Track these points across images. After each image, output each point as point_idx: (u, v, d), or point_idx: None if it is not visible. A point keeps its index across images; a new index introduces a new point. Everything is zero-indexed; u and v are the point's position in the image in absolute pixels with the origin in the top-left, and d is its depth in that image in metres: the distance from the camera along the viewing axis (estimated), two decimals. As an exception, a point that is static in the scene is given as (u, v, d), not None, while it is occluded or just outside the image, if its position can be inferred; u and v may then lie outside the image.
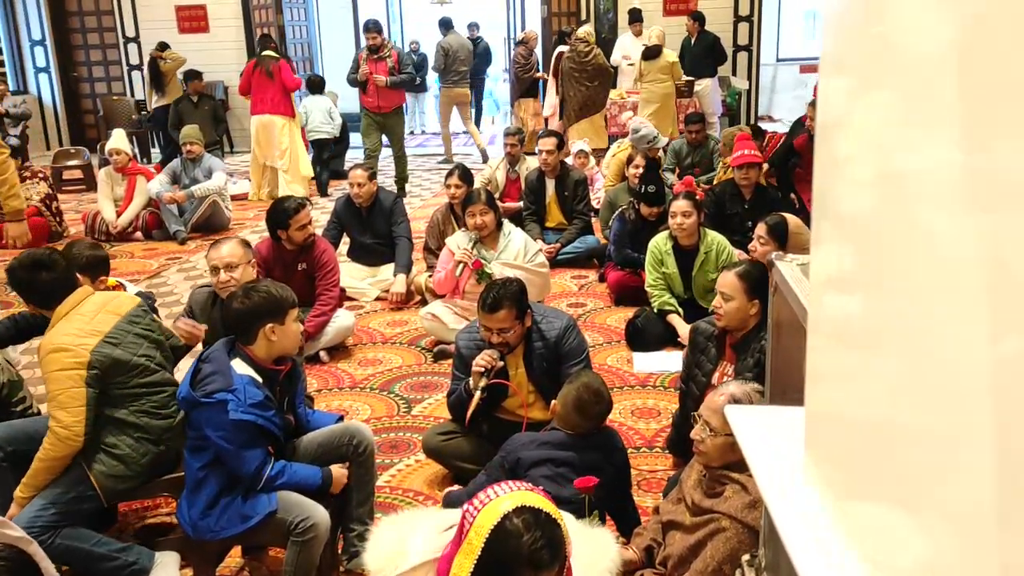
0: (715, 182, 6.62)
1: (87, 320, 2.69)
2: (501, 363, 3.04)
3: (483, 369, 3.00)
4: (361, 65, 8.37)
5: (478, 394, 3.01)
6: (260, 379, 2.51)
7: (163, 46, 10.74)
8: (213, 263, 3.50)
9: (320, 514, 2.46)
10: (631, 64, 9.61)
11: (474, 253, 4.47)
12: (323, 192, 9.16)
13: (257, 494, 2.47)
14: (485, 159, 10.42)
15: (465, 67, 10.62)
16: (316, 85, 9.71)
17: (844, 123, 0.98)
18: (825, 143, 1.04)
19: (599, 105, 9.18)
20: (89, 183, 9.41)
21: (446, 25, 11.04)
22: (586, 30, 9.36)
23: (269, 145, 8.68)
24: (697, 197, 4.80)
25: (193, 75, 9.84)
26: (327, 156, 9.45)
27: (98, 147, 10.01)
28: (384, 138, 8.80)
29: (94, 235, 7.18)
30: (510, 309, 2.99)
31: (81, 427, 2.59)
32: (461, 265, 4.44)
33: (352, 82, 8.63)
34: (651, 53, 8.92)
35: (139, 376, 2.70)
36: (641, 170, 5.93)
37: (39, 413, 3.08)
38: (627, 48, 10.01)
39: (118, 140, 7.33)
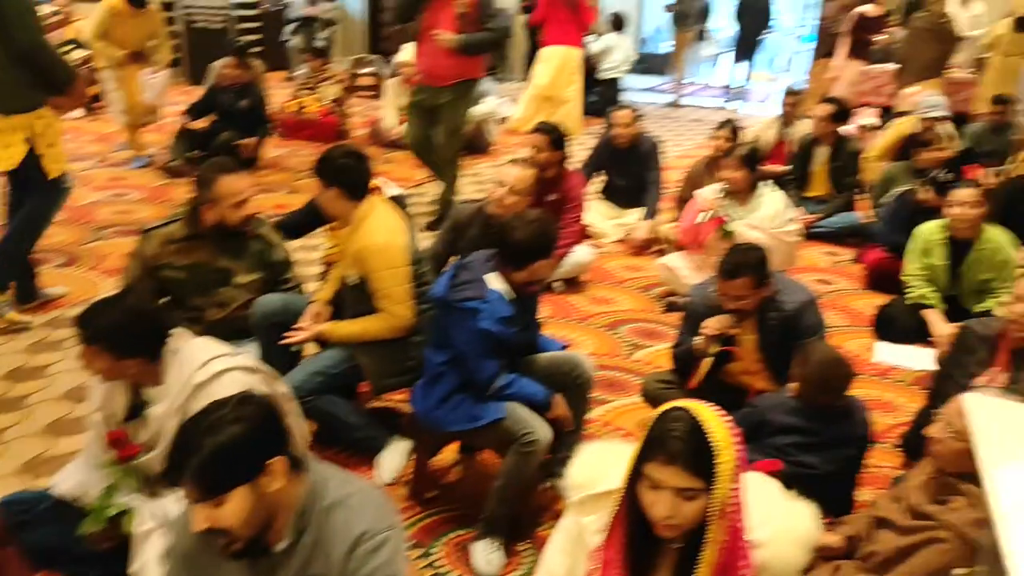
0: (1008, 176, 5.94)
1: (390, 218, 2.96)
2: (734, 330, 2.99)
3: (714, 333, 2.96)
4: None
5: (707, 360, 2.98)
6: (510, 297, 2.64)
7: None
8: (501, 178, 3.71)
9: (544, 431, 2.58)
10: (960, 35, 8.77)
11: (719, 204, 4.38)
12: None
13: (488, 399, 2.63)
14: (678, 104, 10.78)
15: (696, 12, 10.92)
16: (620, 23, 9.55)
17: None
18: None
19: (939, 70, 8.53)
20: (379, 91, 10.16)
21: None
22: None
23: (561, 77, 8.39)
24: (986, 187, 4.34)
25: None
26: (613, 95, 9.52)
27: (390, 59, 10.76)
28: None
29: (375, 140, 7.79)
30: (749, 277, 2.90)
31: (412, 317, 2.94)
32: (705, 213, 4.37)
33: (401, 21, 5.74)
34: None
35: (421, 268, 2.98)
36: (944, 153, 5.48)
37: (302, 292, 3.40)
38: (954, 16, 9.10)
39: (408, 54, 7.83)
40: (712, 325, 2.96)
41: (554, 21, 8.38)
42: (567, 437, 2.82)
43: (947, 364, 3.02)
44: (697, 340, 3.02)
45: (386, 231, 2.90)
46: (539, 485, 2.85)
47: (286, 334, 2.98)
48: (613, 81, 9.65)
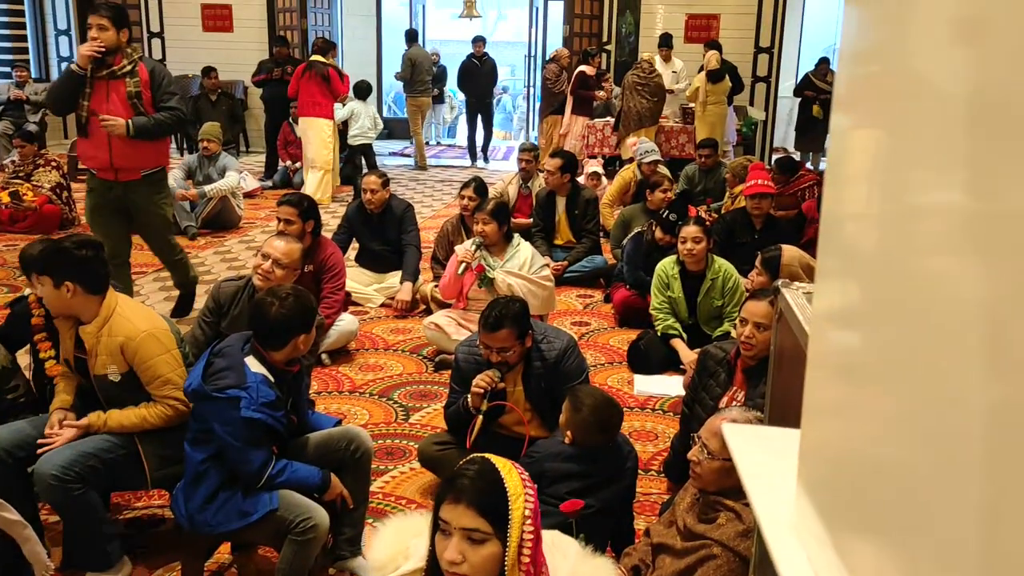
0: (722, 211, 6.65)
1: (138, 305, 2.76)
2: (502, 384, 3.04)
3: (483, 391, 2.99)
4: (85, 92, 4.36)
5: (480, 417, 3.01)
6: (272, 379, 2.51)
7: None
8: (267, 251, 3.51)
9: (321, 515, 2.46)
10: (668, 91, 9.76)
11: (477, 255, 4.51)
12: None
13: (258, 491, 2.47)
14: (423, 168, 11.21)
15: (429, 77, 11.30)
16: (364, 91, 9.79)
17: (854, 160, 0.99)
18: (835, 179, 1.05)
19: (654, 119, 9.47)
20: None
21: (411, 38, 11.41)
22: (650, 54, 9.77)
23: (312, 147, 8.58)
24: (707, 223, 4.81)
25: (208, 71, 9.95)
26: (366, 161, 9.58)
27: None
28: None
29: (105, 225, 7.21)
30: (511, 329, 2.97)
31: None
32: (463, 264, 4.48)
33: (58, 112, 5.11)
34: (717, 76, 9.26)
35: (183, 350, 2.77)
36: (669, 194, 6.06)
37: (35, 400, 3.05)
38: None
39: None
40: (480, 382, 3.00)
41: (306, 93, 8.54)
42: (350, 515, 2.71)
43: (693, 389, 3.26)
44: (468, 398, 3.04)
45: (144, 317, 2.69)
46: (326, 570, 2.71)
47: (40, 440, 2.62)
48: (361, 147, 9.75)
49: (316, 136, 8.57)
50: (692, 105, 9.77)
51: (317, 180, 8.57)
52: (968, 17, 0.70)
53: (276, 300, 2.53)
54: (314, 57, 8.70)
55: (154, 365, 2.63)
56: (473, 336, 3.29)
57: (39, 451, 2.60)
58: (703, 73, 9.48)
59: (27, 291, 3.08)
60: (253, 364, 2.49)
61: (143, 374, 2.64)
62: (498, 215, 4.58)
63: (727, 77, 9.46)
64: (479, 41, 11.50)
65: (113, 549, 2.66)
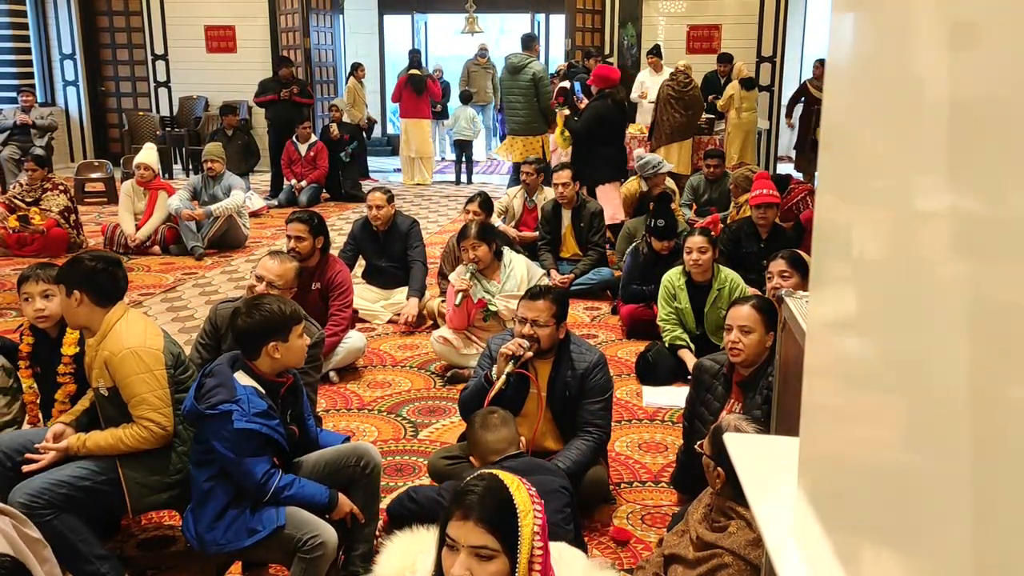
0: (728, 221, 6.64)
1: (142, 322, 2.75)
2: (530, 353, 3.06)
3: (511, 353, 3.03)
4: None
5: (503, 378, 3.03)
6: (263, 390, 2.53)
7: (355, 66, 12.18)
8: (260, 272, 3.52)
9: (329, 532, 2.47)
10: (650, 101, 9.73)
11: (472, 282, 4.51)
12: (468, 180, 11.45)
13: (265, 508, 2.48)
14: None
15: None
16: (466, 98, 12.09)
17: (845, 168, 1.00)
18: (827, 187, 1.06)
19: (688, 133, 9.34)
20: (111, 196, 9.53)
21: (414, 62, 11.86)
22: (686, 63, 9.57)
23: (419, 141, 11.14)
24: (713, 233, 4.82)
25: (228, 110, 10.07)
26: (463, 154, 11.64)
27: (121, 161, 10.16)
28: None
29: (112, 247, 7.26)
30: (551, 303, 3.08)
31: (172, 424, 2.66)
32: (460, 294, 4.47)
33: None
34: (751, 84, 9.32)
35: (183, 373, 2.75)
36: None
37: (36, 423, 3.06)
38: (645, 84, 10.09)
39: (148, 155, 7.43)
40: (510, 346, 3.06)
41: (407, 100, 10.93)
42: (362, 531, 2.71)
43: (692, 403, 3.23)
44: (492, 368, 3.09)
45: (139, 334, 2.68)
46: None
47: (28, 456, 2.64)
48: (459, 142, 11.61)
49: (417, 132, 11.10)
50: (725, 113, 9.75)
51: (419, 167, 11.28)
52: (958, 23, 0.70)
53: (246, 309, 2.60)
54: (412, 71, 10.89)
55: (132, 384, 2.62)
56: (507, 331, 3.36)
57: (24, 468, 2.62)
58: (735, 81, 9.50)
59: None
60: (242, 378, 2.53)
61: (122, 391, 2.64)
62: (485, 235, 4.56)
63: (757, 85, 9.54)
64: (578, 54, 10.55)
65: (107, 570, 2.63)
